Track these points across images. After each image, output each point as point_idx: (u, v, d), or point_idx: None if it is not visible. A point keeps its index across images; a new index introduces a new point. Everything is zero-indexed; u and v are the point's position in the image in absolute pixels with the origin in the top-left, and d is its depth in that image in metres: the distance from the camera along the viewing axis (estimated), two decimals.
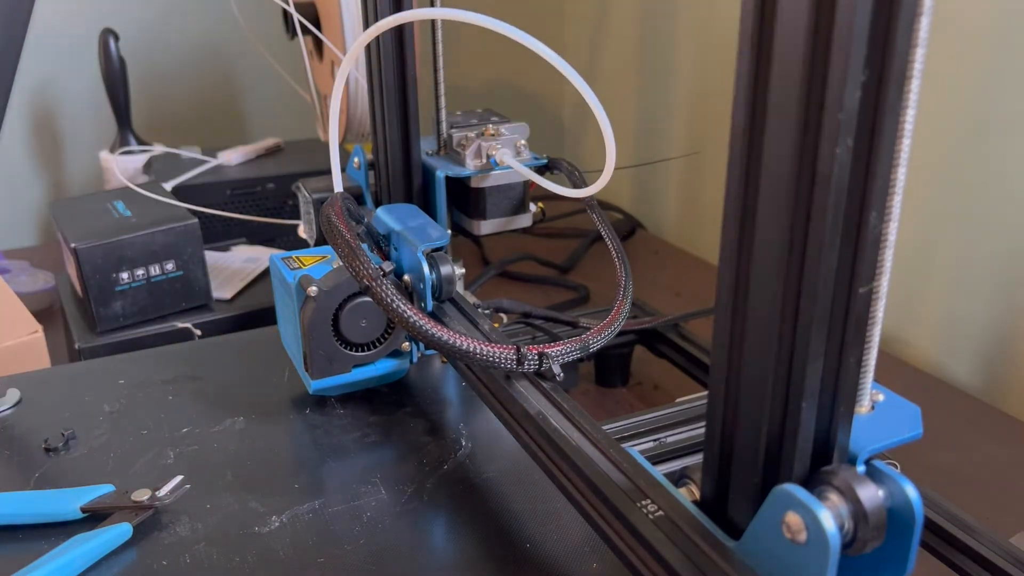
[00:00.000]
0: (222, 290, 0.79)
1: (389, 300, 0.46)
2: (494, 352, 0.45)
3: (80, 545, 0.44)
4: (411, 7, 0.60)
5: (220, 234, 0.91)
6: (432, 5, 0.61)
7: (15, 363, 0.68)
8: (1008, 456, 0.63)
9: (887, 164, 0.27)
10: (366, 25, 0.61)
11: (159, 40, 1.10)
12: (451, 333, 0.45)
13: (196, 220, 0.74)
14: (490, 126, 0.62)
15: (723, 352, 0.32)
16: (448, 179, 0.61)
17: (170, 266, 0.73)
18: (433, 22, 0.61)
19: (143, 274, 0.72)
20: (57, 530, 0.47)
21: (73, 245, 0.69)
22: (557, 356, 0.46)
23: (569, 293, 0.90)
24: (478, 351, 0.45)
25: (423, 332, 0.45)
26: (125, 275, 0.71)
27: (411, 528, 0.46)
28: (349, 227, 0.49)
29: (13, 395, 0.57)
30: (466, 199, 0.62)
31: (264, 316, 0.75)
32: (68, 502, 0.47)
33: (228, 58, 1.13)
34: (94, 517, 0.47)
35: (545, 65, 0.42)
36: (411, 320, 0.45)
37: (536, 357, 0.45)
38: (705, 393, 0.41)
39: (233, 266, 0.84)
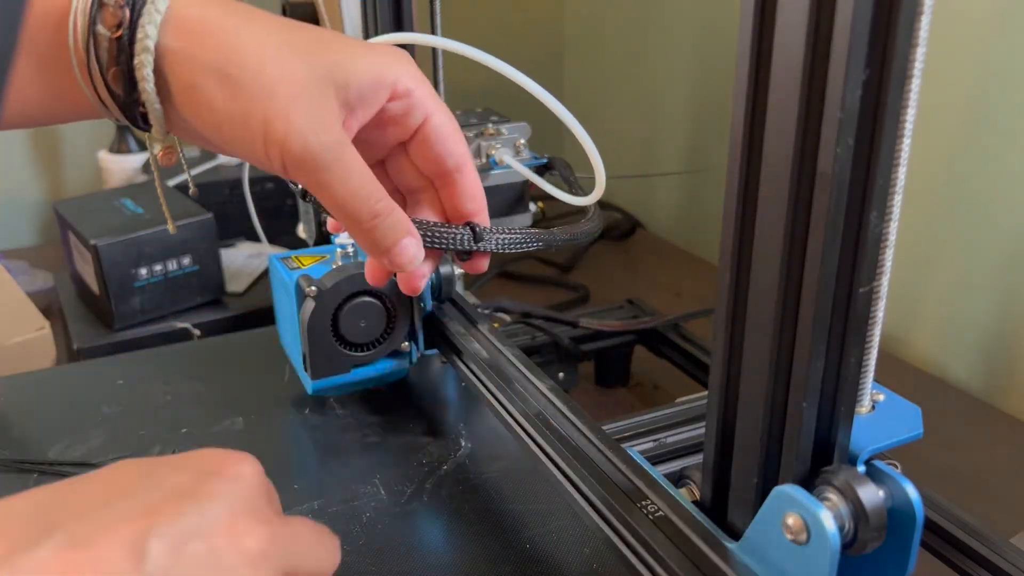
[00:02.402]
0: (232, 284, 0.79)
1: None
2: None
3: None
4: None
5: (220, 233, 0.91)
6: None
7: (23, 359, 0.68)
8: (1008, 456, 0.62)
9: (887, 163, 0.27)
10: (365, 32, 0.61)
11: None
12: None
13: (211, 215, 0.74)
14: (490, 126, 0.62)
15: (723, 352, 0.32)
16: None
17: (187, 261, 0.73)
18: (432, 22, 0.61)
19: (161, 269, 0.72)
20: None
21: (93, 242, 0.69)
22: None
23: (569, 293, 0.90)
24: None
25: None
26: (144, 271, 0.71)
27: (411, 528, 0.46)
28: None
29: None
30: None
31: (264, 316, 0.75)
32: None
33: None
34: None
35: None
36: None
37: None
38: (705, 393, 0.41)
39: (238, 262, 0.84)
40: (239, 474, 0.30)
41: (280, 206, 0.95)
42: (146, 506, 0.26)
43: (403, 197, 0.44)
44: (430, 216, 0.42)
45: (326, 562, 0.33)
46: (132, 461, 0.29)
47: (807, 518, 0.28)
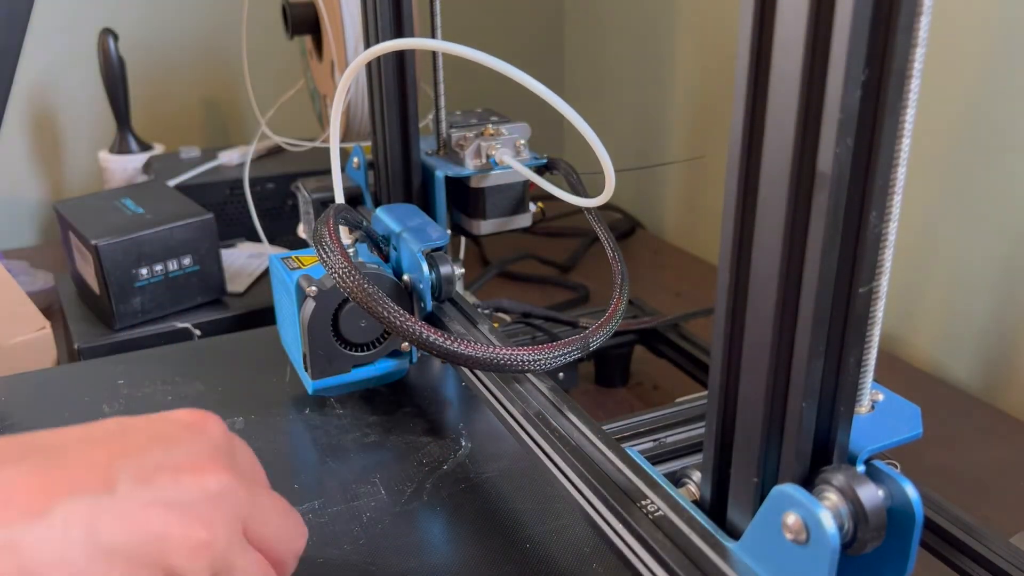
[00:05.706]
0: (232, 284, 0.79)
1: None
2: (497, 355, 0.44)
3: None
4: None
5: (221, 233, 0.91)
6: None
7: (23, 360, 0.68)
8: (1008, 456, 0.62)
9: (887, 164, 0.27)
10: (365, 32, 0.61)
11: (159, 40, 1.10)
12: (447, 338, 0.44)
13: (212, 215, 0.74)
14: (490, 126, 0.62)
15: (723, 352, 0.32)
16: (448, 179, 0.61)
17: (187, 261, 0.74)
18: (432, 22, 0.61)
19: (161, 269, 0.72)
20: None
21: (94, 242, 0.69)
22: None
23: (569, 293, 0.90)
24: (476, 355, 0.44)
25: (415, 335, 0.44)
26: (144, 271, 0.71)
27: (411, 528, 0.46)
28: (339, 243, 0.48)
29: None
30: (466, 199, 0.62)
31: (264, 316, 0.75)
32: None
33: (228, 57, 1.13)
34: None
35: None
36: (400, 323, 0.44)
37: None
38: (705, 393, 0.41)
39: (238, 262, 0.85)
40: (205, 427, 0.33)
41: (280, 206, 0.95)
42: (120, 444, 0.29)
43: None
44: None
45: (287, 534, 0.33)
46: (112, 419, 0.32)
47: (807, 518, 0.28)
